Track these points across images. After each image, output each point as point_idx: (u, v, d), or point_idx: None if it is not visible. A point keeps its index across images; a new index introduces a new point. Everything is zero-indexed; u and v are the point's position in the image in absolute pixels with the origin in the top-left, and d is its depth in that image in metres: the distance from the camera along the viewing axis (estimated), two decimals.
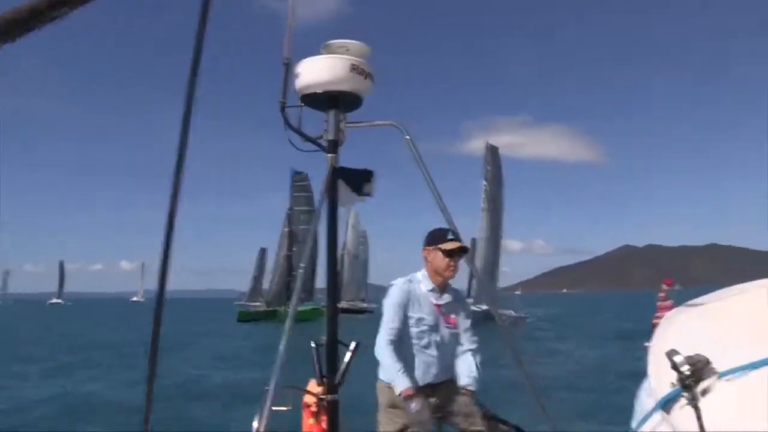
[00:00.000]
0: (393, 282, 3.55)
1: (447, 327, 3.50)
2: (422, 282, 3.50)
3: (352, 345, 3.40)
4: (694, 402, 1.07)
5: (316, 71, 3.35)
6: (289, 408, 3.07)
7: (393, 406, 3.43)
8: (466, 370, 3.47)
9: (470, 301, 24.69)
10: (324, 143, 3.49)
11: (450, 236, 3.48)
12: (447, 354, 3.49)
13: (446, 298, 3.52)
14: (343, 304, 65.72)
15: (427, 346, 3.42)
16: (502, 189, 53.40)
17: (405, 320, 3.40)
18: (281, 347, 2.81)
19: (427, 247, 3.52)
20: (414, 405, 3.10)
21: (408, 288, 3.45)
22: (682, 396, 1.11)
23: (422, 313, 3.43)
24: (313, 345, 3.36)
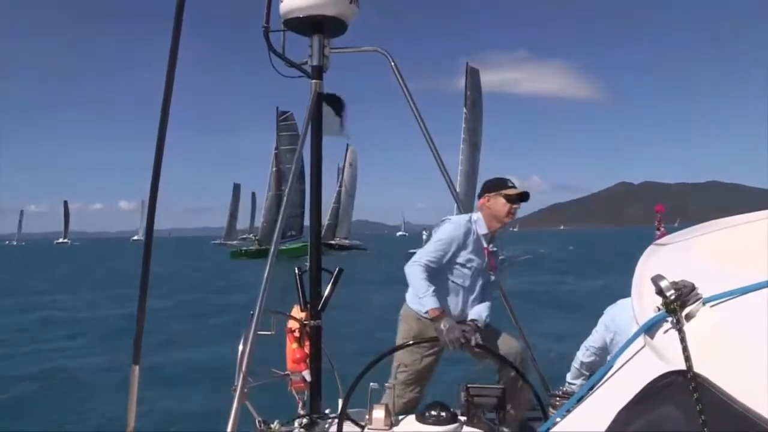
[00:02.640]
0: (449, 217, 3.57)
1: (490, 273, 3.57)
2: (478, 225, 3.54)
3: (335, 272, 3.45)
4: (678, 326, 1.07)
5: None
6: (273, 333, 3.11)
7: (417, 336, 3.42)
8: (479, 309, 3.50)
9: None
10: (308, 69, 3.47)
11: (510, 183, 3.53)
12: (479, 298, 3.56)
13: (493, 246, 3.58)
14: (337, 241, 66.67)
15: (469, 288, 3.45)
16: (482, 117, 49.52)
17: (453, 258, 3.43)
18: (266, 274, 2.88)
19: (487, 194, 3.54)
20: (444, 324, 3.16)
21: (468, 228, 3.47)
22: (666, 320, 1.11)
23: (473, 255, 3.46)
24: (296, 271, 3.41)
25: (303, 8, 3.32)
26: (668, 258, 1.43)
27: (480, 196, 3.58)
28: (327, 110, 3.51)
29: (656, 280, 1.13)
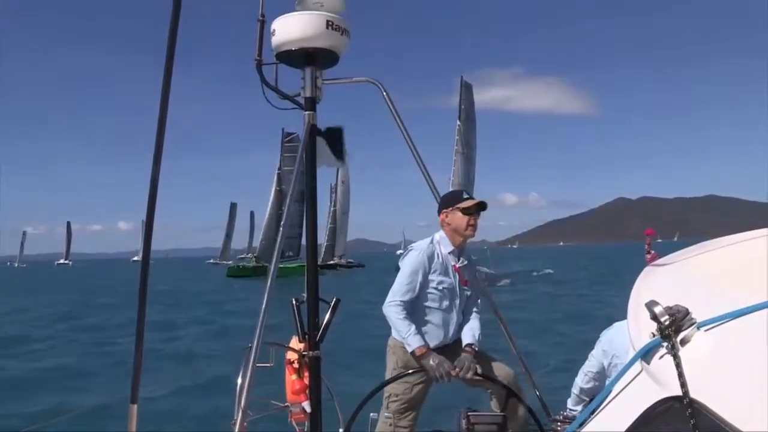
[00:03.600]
0: (413, 245, 3.57)
1: (464, 289, 3.56)
2: (442, 244, 3.53)
3: (333, 301, 3.46)
4: (673, 351, 1.07)
5: (291, 28, 3.30)
6: (272, 365, 3.11)
7: (407, 366, 3.45)
8: (470, 329, 3.51)
9: None
10: (301, 101, 3.50)
11: (465, 195, 3.52)
12: (461, 315, 3.55)
13: (463, 260, 3.57)
14: (336, 260, 66.85)
15: (446, 309, 3.45)
16: (475, 131, 49.02)
17: (424, 284, 3.42)
18: (263, 305, 2.85)
19: (444, 210, 3.54)
20: (432, 360, 3.16)
21: (432, 251, 3.46)
22: (662, 346, 1.12)
23: (443, 276, 3.46)
24: (294, 302, 3.42)
25: (295, 41, 3.35)
26: (662, 281, 1.44)
27: (439, 213, 3.59)
28: (322, 141, 3.53)
29: (650, 306, 1.13)
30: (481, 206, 3.51)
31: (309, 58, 3.43)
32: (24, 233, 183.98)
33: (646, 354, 1.17)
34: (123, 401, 2.47)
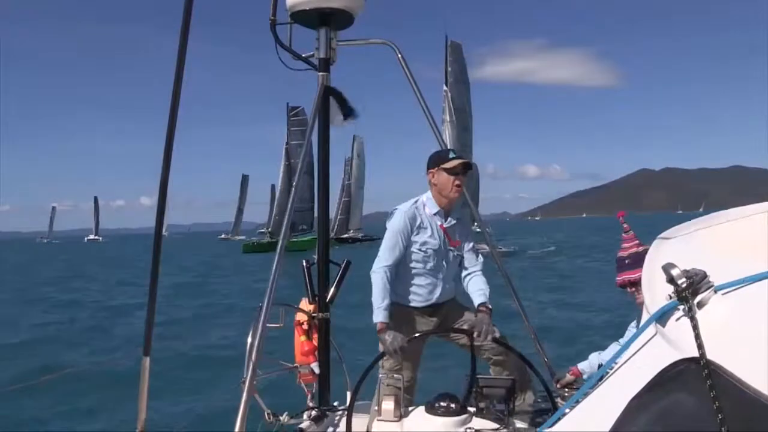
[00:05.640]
0: (397, 207, 3.55)
1: (451, 249, 3.53)
2: (427, 205, 3.50)
3: (343, 264, 3.45)
4: (690, 313, 1.07)
5: None
6: (281, 325, 3.12)
7: (394, 324, 3.47)
8: (479, 289, 3.46)
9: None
10: (315, 62, 3.47)
11: (451, 155, 3.47)
12: (450, 276, 3.53)
13: (451, 220, 3.54)
14: (350, 234, 66.91)
15: (432, 270, 3.44)
16: (470, 94, 45.59)
17: (408, 246, 3.40)
18: (274, 266, 2.88)
19: (430, 170, 3.49)
20: (387, 336, 3.15)
21: (413, 213, 3.43)
22: (678, 308, 1.12)
23: (427, 237, 3.42)
24: (304, 264, 3.40)
25: (310, 1, 3.31)
26: (678, 249, 1.42)
27: (426, 173, 3.54)
28: (334, 102, 3.51)
29: (667, 268, 1.13)
30: (467, 166, 3.46)
31: (324, 18, 3.39)
32: (53, 209, 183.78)
33: (662, 317, 1.16)
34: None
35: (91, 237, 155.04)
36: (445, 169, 3.39)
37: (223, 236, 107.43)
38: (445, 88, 43.27)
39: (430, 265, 3.44)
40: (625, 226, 3.13)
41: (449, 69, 44.05)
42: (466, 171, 3.45)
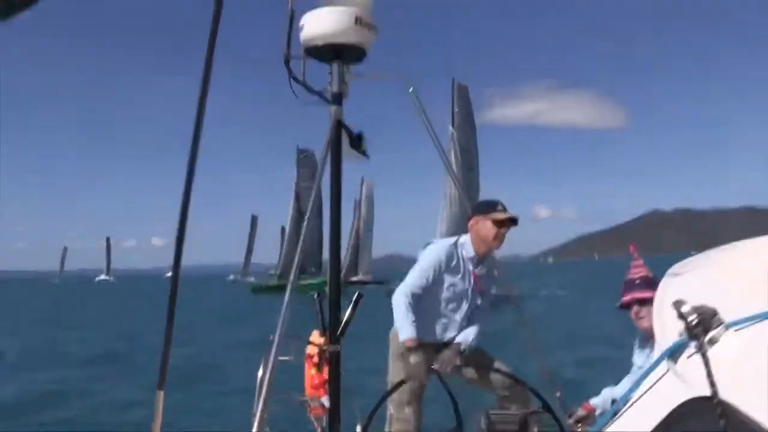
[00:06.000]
0: (433, 240, 3.55)
1: (476, 296, 3.53)
2: (465, 248, 3.50)
3: (355, 296, 3.46)
4: (702, 350, 1.05)
5: (320, 23, 3.34)
6: (292, 358, 3.13)
7: (402, 355, 3.48)
8: (466, 333, 3.52)
9: None
10: (328, 96, 3.52)
11: (500, 207, 3.49)
12: (466, 321, 3.52)
13: (483, 268, 3.54)
14: (359, 278, 66.68)
15: (452, 311, 3.46)
16: (475, 135, 45.91)
17: (436, 281, 3.41)
18: (285, 300, 2.87)
19: (476, 216, 3.52)
20: (413, 358, 3.14)
21: (451, 252, 3.45)
22: (689, 345, 1.10)
23: (458, 279, 3.45)
24: (316, 296, 3.42)
25: (323, 36, 3.38)
26: (688, 284, 1.40)
27: (469, 218, 3.55)
28: (346, 138, 3.54)
29: (677, 305, 1.12)
30: (514, 221, 3.47)
31: (337, 53, 3.45)
32: (65, 249, 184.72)
33: (673, 353, 1.15)
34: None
35: (103, 277, 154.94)
36: (493, 220, 3.40)
37: (232, 277, 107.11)
38: (451, 129, 43.79)
39: (452, 305, 3.45)
40: (635, 255, 3.17)
41: (456, 110, 44.48)
42: (511, 225, 3.47)
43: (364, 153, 3.54)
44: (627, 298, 3.12)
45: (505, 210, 3.49)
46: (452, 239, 3.55)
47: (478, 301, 3.56)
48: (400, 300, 3.34)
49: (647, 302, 3.06)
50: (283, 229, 78.88)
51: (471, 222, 3.55)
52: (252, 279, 76.98)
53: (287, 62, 3.39)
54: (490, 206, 3.53)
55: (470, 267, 3.49)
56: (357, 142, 3.55)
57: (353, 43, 3.42)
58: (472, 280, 3.49)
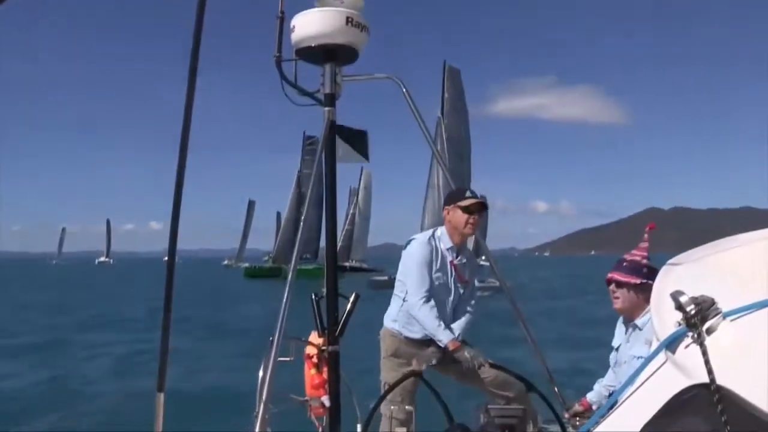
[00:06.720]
0: (414, 237, 3.59)
1: (458, 286, 3.55)
2: (442, 239, 3.54)
3: (352, 296, 3.48)
4: (699, 340, 1.07)
5: (311, 24, 3.33)
6: (292, 359, 3.16)
7: (395, 354, 3.52)
8: (454, 327, 3.53)
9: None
10: (320, 97, 3.52)
11: (468, 194, 3.52)
12: (453, 311, 3.55)
13: (462, 258, 3.57)
14: (351, 263, 66.83)
15: (437, 303, 3.47)
16: (468, 122, 43.22)
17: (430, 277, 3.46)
18: (284, 300, 2.88)
19: (446, 207, 3.55)
20: (466, 353, 3.24)
21: (430, 245, 3.49)
22: (687, 335, 1.11)
23: (439, 271, 3.48)
24: (313, 297, 3.43)
25: (315, 37, 3.37)
26: (686, 275, 1.42)
27: (443, 209, 3.60)
28: (341, 138, 3.55)
29: (675, 295, 1.13)
30: (482, 206, 3.50)
31: (329, 54, 3.43)
32: (63, 230, 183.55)
33: (671, 344, 1.16)
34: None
35: (102, 259, 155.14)
36: (461, 207, 3.43)
37: (226, 262, 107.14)
38: (438, 114, 41.16)
39: (436, 299, 3.46)
40: (646, 236, 3.21)
41: (446, 95, 41.82)
42: (482, 210, 3.49)
43: (364, 154, 3.55)
44: (610, 275, 3.19)
45: (474, 197, 3.51)
46: (429, 232, 3.60)
47: (461, 291, 3.58)
48: (422, 309, 3.37)
49: (624, 285, 3.13)
50: (278, 215, 78.96)
51: (444, 213, 3.60)
52: (246, 264, 77.07)
53: (279, 64, 3.38)
54: (458, 194, 3.56)
55: (449, 258, 3.52)
56: (358, 142, 3.56)
57: (345, 44, 3.41)
58: (453, 271, 3.52)
